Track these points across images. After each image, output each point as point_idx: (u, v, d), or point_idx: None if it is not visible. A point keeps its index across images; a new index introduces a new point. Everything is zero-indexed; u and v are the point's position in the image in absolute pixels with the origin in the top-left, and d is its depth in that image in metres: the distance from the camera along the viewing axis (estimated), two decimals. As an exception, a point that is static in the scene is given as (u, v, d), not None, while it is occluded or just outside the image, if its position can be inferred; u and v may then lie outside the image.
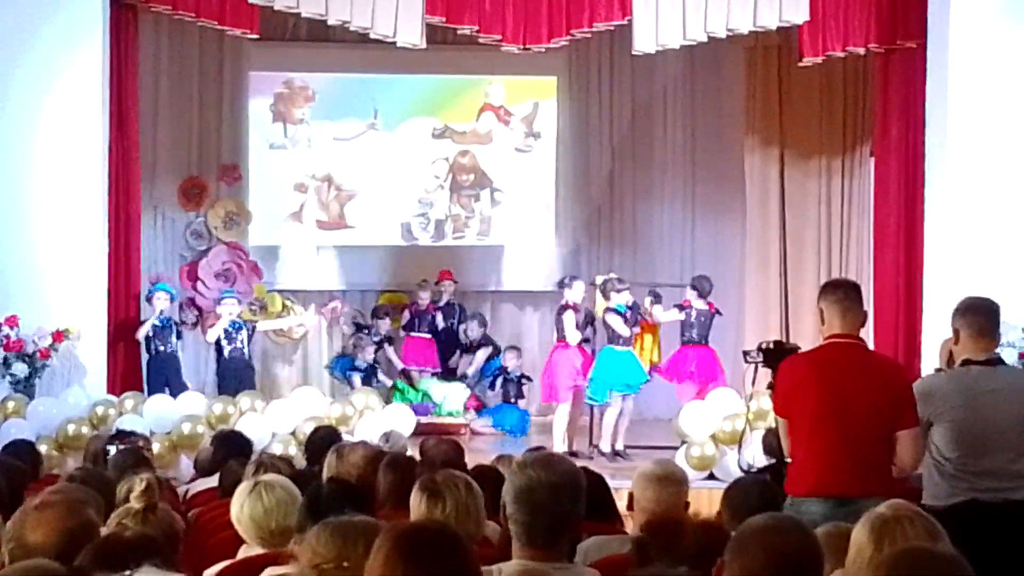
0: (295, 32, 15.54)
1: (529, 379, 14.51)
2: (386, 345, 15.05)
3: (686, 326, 12.95)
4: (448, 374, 15.11)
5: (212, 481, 7.51)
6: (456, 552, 3.20)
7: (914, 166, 12.84)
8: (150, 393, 12.22)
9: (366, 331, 15.03)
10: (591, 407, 12.77)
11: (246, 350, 13.26)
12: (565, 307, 12.56)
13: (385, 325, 15.08)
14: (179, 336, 13.11)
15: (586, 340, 12.70)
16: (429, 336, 14.98)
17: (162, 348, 12.83)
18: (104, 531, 4.11)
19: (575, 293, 12.60)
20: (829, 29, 12.58)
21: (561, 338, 12.52)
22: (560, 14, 12.45)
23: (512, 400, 14.55)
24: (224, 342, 13.15)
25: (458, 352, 15.21)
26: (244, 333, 13.24)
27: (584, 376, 12.41)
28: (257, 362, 15.67)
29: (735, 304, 15.32)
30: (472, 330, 15.11)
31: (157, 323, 12.79)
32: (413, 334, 14.97)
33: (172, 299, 13.31)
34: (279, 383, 15.56)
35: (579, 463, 4.51)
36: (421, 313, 15.01)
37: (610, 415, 12.35)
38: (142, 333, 12.75)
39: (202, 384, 14.29)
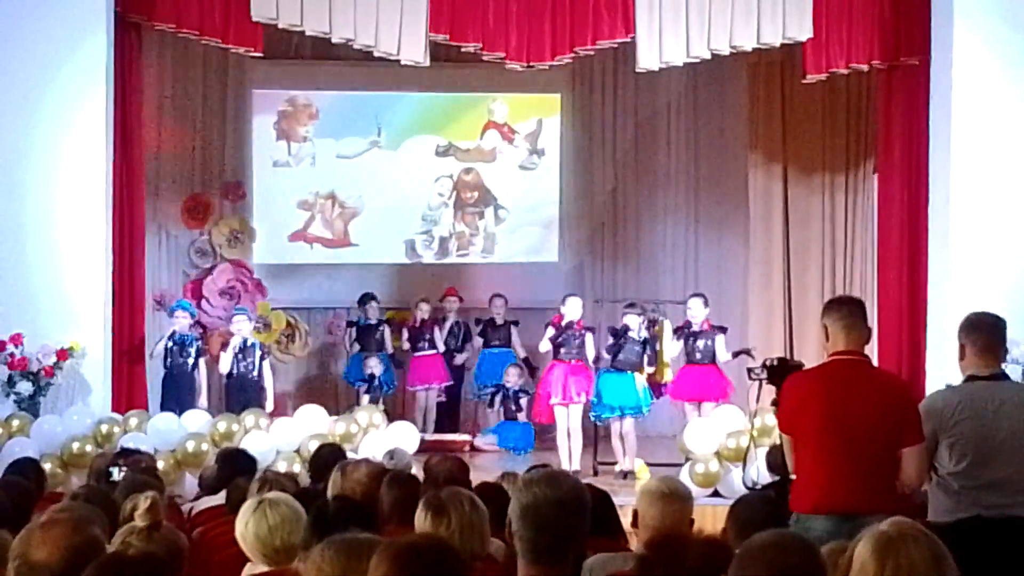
0: (299, 50, 15.55)
1: (528, 393, 14.49)
2: (384, 328, 14.99)
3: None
4: (457, 386, 15.12)
5: (217, 499, 7.51)
6: (454, 569, 3.20)
7: (917, 182, 12.84)
8: (163, 410, 12.26)
9: (367, 331, 14.94)
10: (595, 426, 12.86)
11: (255, 370, 13.22)
12: (548, 323, 12.94)
13: (373, 311, 15.01)
14: (199, 354, 13.05)
15: (596, 358, 12.86)
16: (434, 352, 14.94)
17: (180, 366, 12.87)
18: (109, 549, 4.11)
19: (567, 309, 12.77)
20: (832, 46, 12.60)
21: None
22: (563, 31, 12.47)
23: (513, 416, 14.54)
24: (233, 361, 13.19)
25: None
26: (256, 353, 13.21)
27: (585, 393, 12.60)
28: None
29: (739, 320, 15.32)
30: (497, 308, 15.08)
31: (172, 343, 12.86)
32: (418, 353, 14.94)
33: (192, 317, 13.35)
34: (284, 401, 15.59)
35: (583, 480, 4.51)
36: (420, 332, 14.97)
37: (614, 438, 12.56)
38: (157, 350, 12.86)
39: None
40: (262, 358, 13.22)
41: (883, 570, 3.52)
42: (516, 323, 15.06)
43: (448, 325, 15.06)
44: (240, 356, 13.09)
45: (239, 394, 13.02)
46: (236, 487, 6.84)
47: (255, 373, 13.13)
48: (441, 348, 14.91)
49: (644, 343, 12.56)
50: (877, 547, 3.57)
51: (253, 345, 13.23)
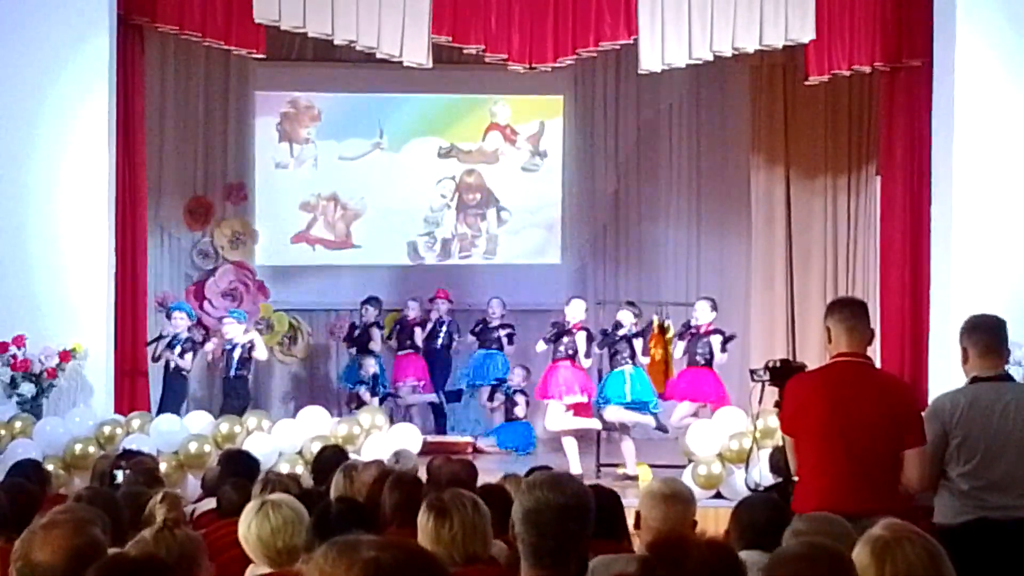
0: (301, 52, 15.56)
1: (525, 393, 14.49)
2: (373, 329, 14.97)
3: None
4: (439, 390, 15.13)
5: (220, 500, 7.50)
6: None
7: (919, 184, 12.84)
8: (161, 410, 12.28)
9: (364, 334, 14.94)
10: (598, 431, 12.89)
11: (234, 372, 13.23)
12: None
13: (367, 314, 14.96)
14: (183, 352, 13.03)
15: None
16: (412, 352, 14.96)
17: (176, 366, 12.93)
18: (128, 549, 4.10)
19: (570, 311, 12.76)
20: (835, 48, 12.60)
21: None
22: (566, 33, 12.48)
23: (512, 416, 14.55)
24: (224, 363, 13.31)
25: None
26: (235, 355, 13.20)
27: (582, 392, 12.58)
28: (263, 379, 15.73)
29: (741, 322, 15.32)
30: (494, 309, 15.08)
31: (169, 344, 12.92)
32: (400, 352, 14.99)
33: (191, 319, 13.35)
34: (287, 402, 15.62)
35: (587, 482, 4.51)
36: (404, 329, 15.02)
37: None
38: (156, 351, 12.90)
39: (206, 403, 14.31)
40: (250, 350, 13.22)
41: (883, 573, 3.53)
42: (509, 326, 15.02)
43: (429, 327, 15.06)
44: (225, 360, 13.21)
45: (223, 398, 13.25)
46: (225, 493, 6.82)
47: (232, 374, 13.19)
48: (426, 342, 14.92)
49: (631, 337, 12.53)
50: (875, 551, 3.57)
51: (235, 347, 13.23)
